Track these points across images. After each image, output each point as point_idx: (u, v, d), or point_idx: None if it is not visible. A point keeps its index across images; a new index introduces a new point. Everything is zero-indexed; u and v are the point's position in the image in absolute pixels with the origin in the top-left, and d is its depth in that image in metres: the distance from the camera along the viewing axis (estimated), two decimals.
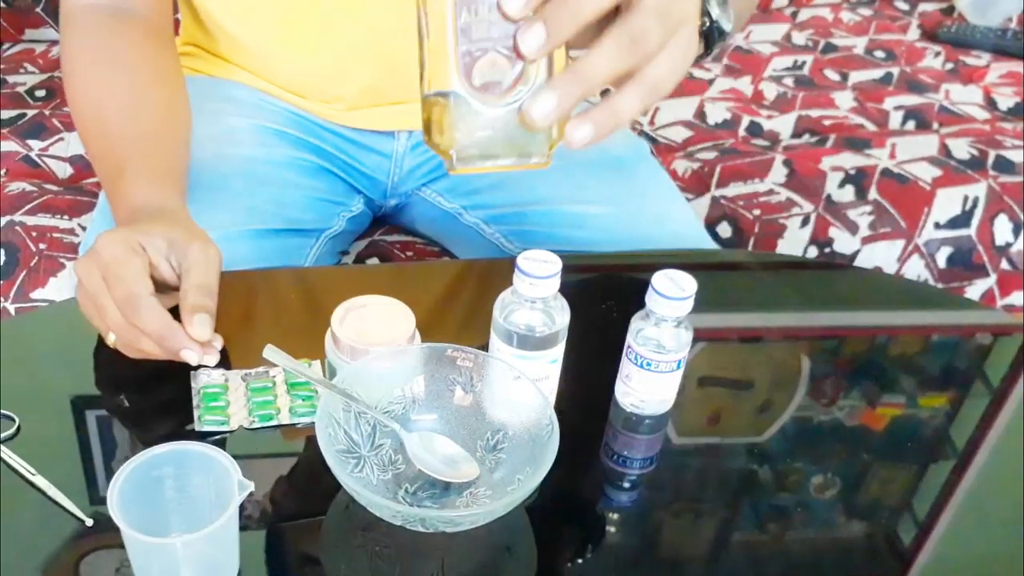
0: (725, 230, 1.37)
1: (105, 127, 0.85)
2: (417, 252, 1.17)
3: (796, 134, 1.58)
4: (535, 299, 0.68)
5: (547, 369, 0.71)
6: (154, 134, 0.84)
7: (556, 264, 0.68)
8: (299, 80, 1.05)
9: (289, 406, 0.74)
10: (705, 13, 0.63)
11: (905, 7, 2.07)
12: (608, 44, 0.52)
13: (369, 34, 0.98)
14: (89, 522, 0.65)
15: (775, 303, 0.94)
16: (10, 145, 1.36)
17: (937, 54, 1.85)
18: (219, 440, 0.71)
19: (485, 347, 0.73)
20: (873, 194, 1.40)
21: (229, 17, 1.00)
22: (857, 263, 1.37)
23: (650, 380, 0.73)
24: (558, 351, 0.71)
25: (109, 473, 0.67)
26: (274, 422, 0.73)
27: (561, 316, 0.70)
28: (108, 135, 0.84)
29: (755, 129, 1.58)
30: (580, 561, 0.69)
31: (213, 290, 0.72)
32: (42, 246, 1.17)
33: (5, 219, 1.20)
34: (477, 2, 0.50)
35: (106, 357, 0.79)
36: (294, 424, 0.73)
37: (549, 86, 0.51)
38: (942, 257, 1.41)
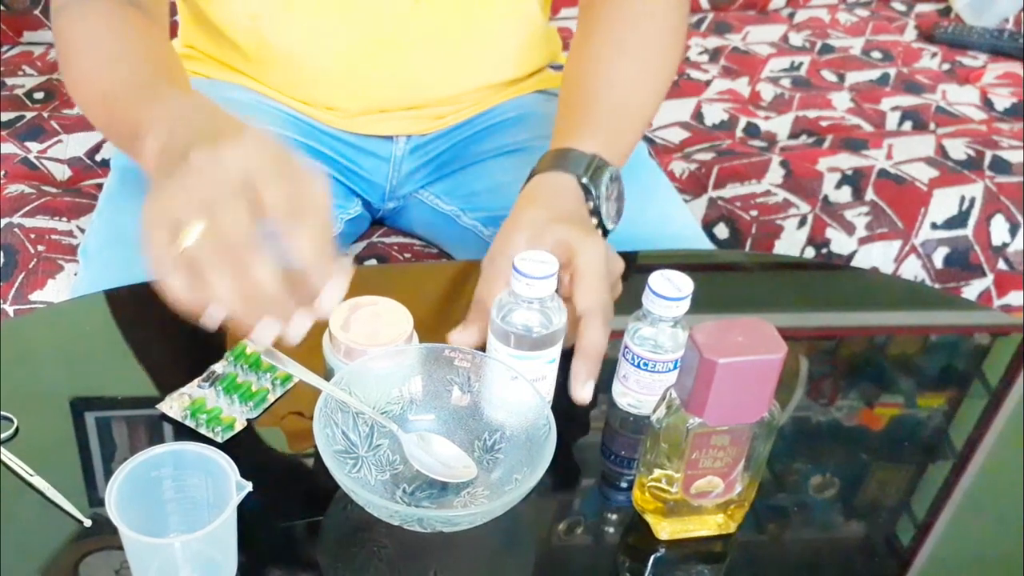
0: (722, 231, 1.37)
1: (111, 73, 0.81)
2: (415, 254, 1.17)
3: (793, 135, 1.58)
4: (532, 299, 0.69)
5: (545, 369, 0.72)
6: (159, 58, 0.83)
7: (553, 264, 0.68)
8: (302, 89, 1.05)
9: (272, 380, 0.75)
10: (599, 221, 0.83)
11: (902, 8, 2.07)
12: (597, 325, 0.72)
13: (377, 46, 0.99)
14: (88, 523, 0.65)
15: (772, 304, 0.94)
16: (9, 147, 1.36)
17: (934, 55, 1.85)
18: (216, 440, 0.71)
19: (483, 348, 0.73)
20: (870, 195, 1.41)
21: (236, 25, 1.00)
22: (854, 264, 1.37)
23: (647, 380, 0.73)
24: (556, 351, 0.71)
25: (107, 474, 0.68)
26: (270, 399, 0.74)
27: (558, 316, 0.70)
28: (115, 77, 0.80)
29: (752, 130, 1.58)
30: (578, 561, 0.69)
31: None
32: (41, 248, 1.17)
33: (4, 221, 1.20)
34: (707, 444, 0.62)
35: (106, 357, 0.79)
36: (285, 392, 0.75)
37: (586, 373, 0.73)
38: (939, 257, 1.41)
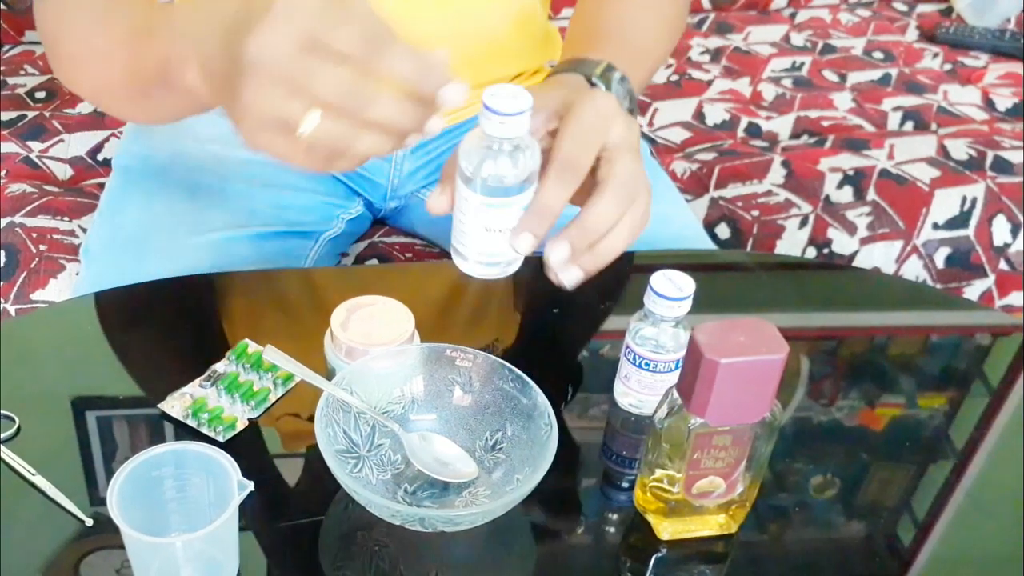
0: (724, 231, 1.37)
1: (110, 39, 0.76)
2: (417, 253, 1.17)
3: (795, 135, 1.58)
4: (503, 139, 0.63)
5: (518, 217, 0.67)
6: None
7: (526, 99, 0.62)
8: None
9: (273, 379, 0.75)
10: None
11: (903, 8, 2.07)
12: (554, 179, 0.65)
13: None
14: (89, 522, 0.65)
15: (774, 304, 0.94)
16: (10, 147, 1.36)
17: (935, 55, 1.85)
18: (218, 440, 0.71)
19: (484, 348, 0.73)
20: (871, 195, 1.41)
21: None
22: (855, 264, 1.37)
23: (649, 380, 0.73)
24: (529, 196, 0.66)
25: (109, 473, 0.68)
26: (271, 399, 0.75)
27: (532, 158, 0.64)
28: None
29: (754, 130, 1.58)
30: (579, 561, 0.69)
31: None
32: (42, 247, 1.17)
33: (5, 220, 1.20)
34: (709, 444, 0.62)
35: (108, 356, 0.79)
36: (287, 392, 0.75)
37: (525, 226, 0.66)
38: (940, 258, 1.41)
